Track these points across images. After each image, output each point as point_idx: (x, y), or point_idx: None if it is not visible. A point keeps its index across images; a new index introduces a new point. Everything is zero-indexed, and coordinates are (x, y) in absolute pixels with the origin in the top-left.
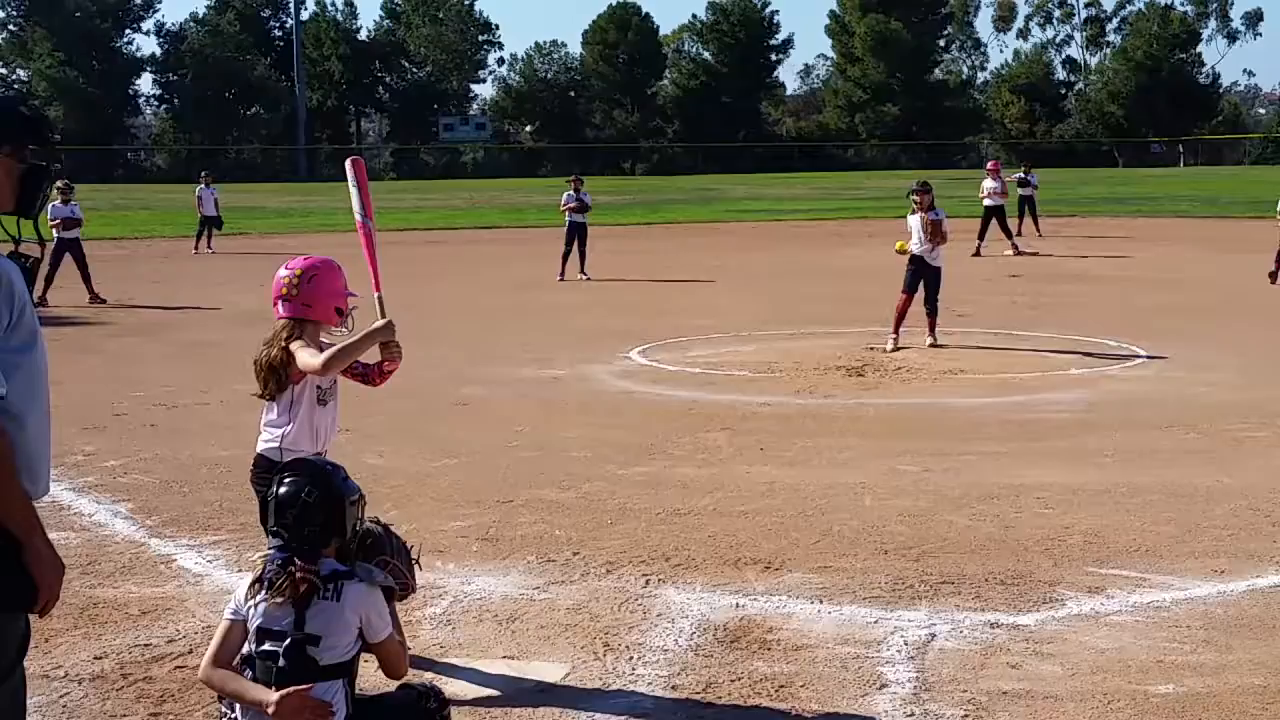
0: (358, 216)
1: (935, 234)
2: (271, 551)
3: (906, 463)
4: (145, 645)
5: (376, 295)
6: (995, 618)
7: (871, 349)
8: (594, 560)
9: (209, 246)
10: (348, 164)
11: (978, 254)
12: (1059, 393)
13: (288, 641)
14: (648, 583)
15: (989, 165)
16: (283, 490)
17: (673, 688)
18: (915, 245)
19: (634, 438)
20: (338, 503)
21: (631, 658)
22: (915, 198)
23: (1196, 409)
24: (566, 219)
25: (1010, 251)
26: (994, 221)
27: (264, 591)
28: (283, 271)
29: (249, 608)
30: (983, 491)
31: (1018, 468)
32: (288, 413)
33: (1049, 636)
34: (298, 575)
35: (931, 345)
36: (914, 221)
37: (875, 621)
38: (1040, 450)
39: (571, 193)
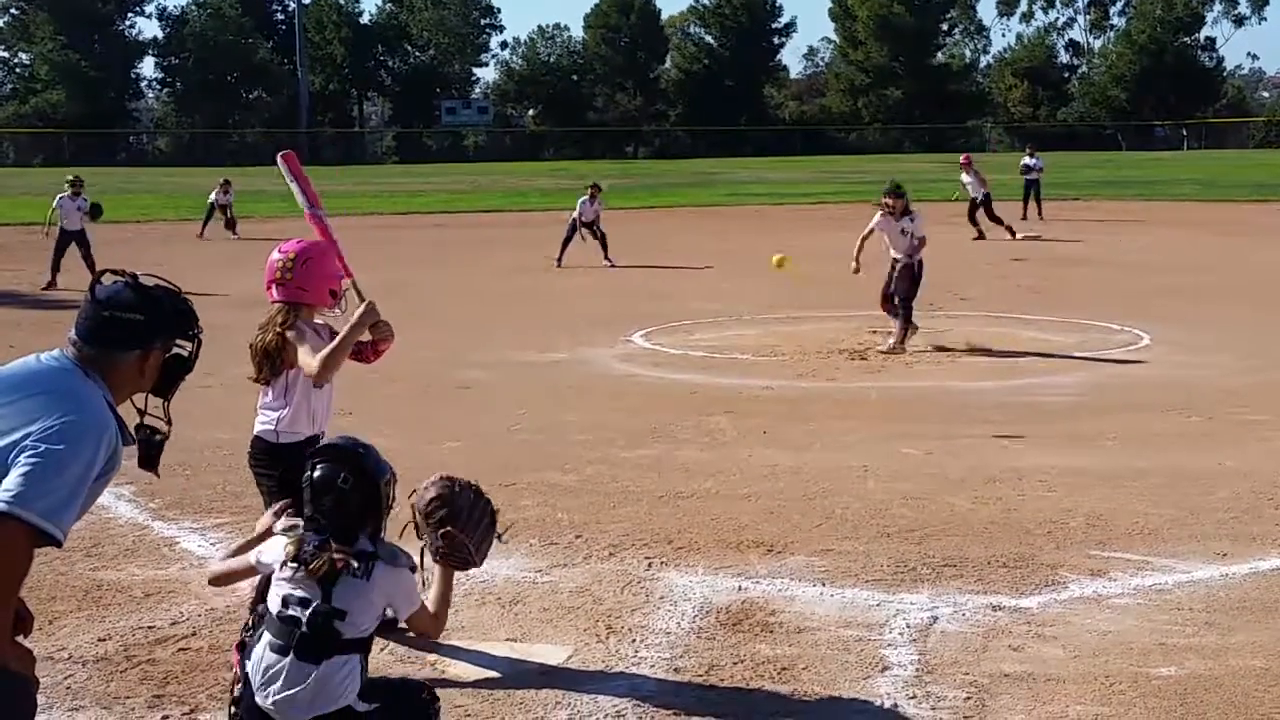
0: (305, 208)
1: (916, 248)
2: (309, 534)
3: (909, 446)
4: (149, 627)
5: (349, 281)
6: (997, 600)
7: (874, 332)
8: (596, 543)
9: (221, 231)
10: (279, 159)
11: (981, 237)
12: (1061, 376)
13: (314, 608)
14: (650, 565)
15: (961, 160)
16: (318, 475)
17: (675, 670)
18: (893, 251)
19: (636, 421)
20: (373, 486)
21: (634, 640)
22: (887, 201)
23: (1199, 392)
24: (571, 216)
25: (1007, 236)
26: (980, 211)
27: (300, 570)
28: (275, 255)
29: (278, 576)
30: (985, 474)
31: (1020, 451)
32: (283, 396)
33: (1051, 619)
34: (337, 559)
35: (891, 350)
36: (881, 224)
37: (877, 604)
38: (1043, 433)
39: (586, 199)
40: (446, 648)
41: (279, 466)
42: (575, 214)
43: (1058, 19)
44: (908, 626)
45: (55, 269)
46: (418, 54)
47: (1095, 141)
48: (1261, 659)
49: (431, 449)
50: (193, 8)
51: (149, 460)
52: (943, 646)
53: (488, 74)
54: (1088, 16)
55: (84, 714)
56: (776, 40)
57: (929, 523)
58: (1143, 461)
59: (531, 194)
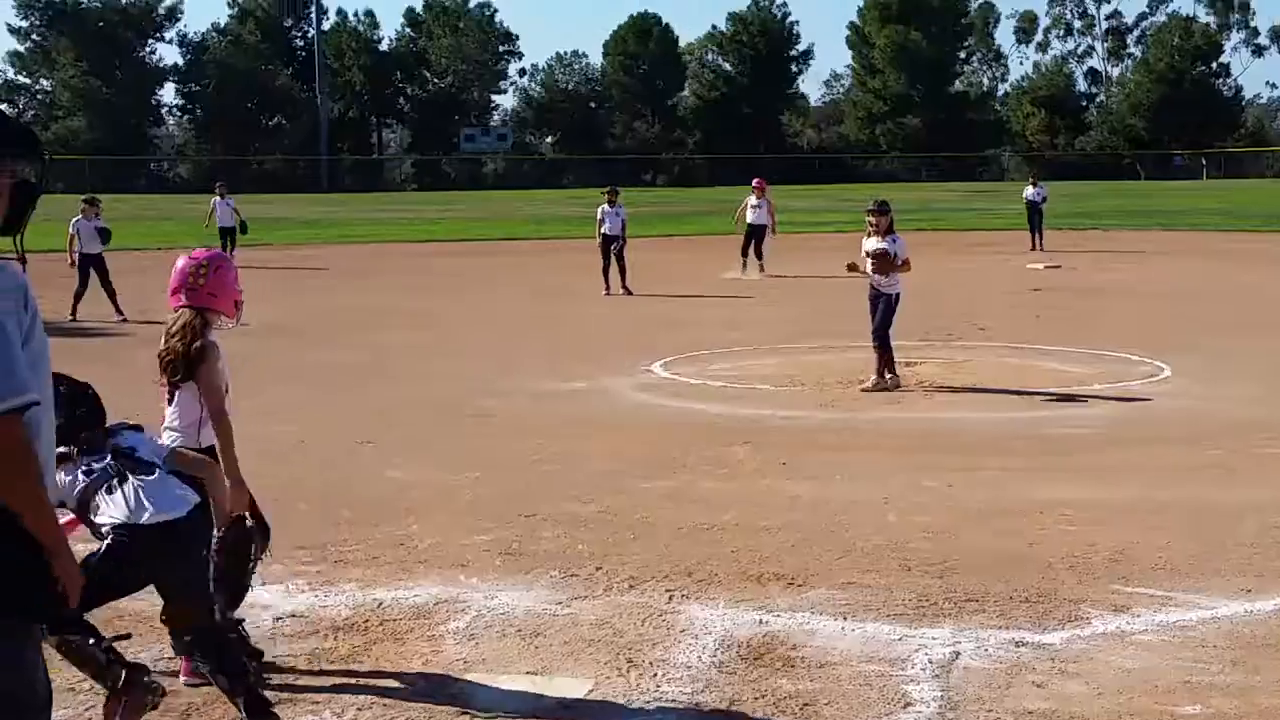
0: None
1: (884, 267)
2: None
3: (930, 478)
4: (170, 657)
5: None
6: (1020, 636)
7: (907, 364)
8: (617, 575)
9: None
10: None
11: (744, 270)
12: (1082, 408)
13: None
14: (671, 598)
15: (755, 183)
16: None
17: (696, 705)
18: (873, 277)
19: (655, 452)
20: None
21: (655, 674)
22: (871, 219)
23: (1221, 424)
24: (601, 232)
25: (756, 275)
26: (753, 243)
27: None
28: (183, 261)
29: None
30: (1006, 507)
31: (1041, 484)
32: (194, 406)
33: (1075, 655)
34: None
35: (871, 388)
36: (868, 245)
37: (899, 639)
38: (1064, 466)
39: (605, 206)
40: (466, 680)
41: None
42: (601, 228)
43: (1076, 47)
44: (930, 662)
45: (78, 299)
46: (437, 81)
47: (1114, 171)
48: None
49: (450, 479)
50: (213, 34)
51: None
52: (966, 682)
53: (507, 101)
54: (1105, 45)
55: None
56: (794, 68)
57: (950, 556)
58: (1165, 495)
59: (550, 221)
